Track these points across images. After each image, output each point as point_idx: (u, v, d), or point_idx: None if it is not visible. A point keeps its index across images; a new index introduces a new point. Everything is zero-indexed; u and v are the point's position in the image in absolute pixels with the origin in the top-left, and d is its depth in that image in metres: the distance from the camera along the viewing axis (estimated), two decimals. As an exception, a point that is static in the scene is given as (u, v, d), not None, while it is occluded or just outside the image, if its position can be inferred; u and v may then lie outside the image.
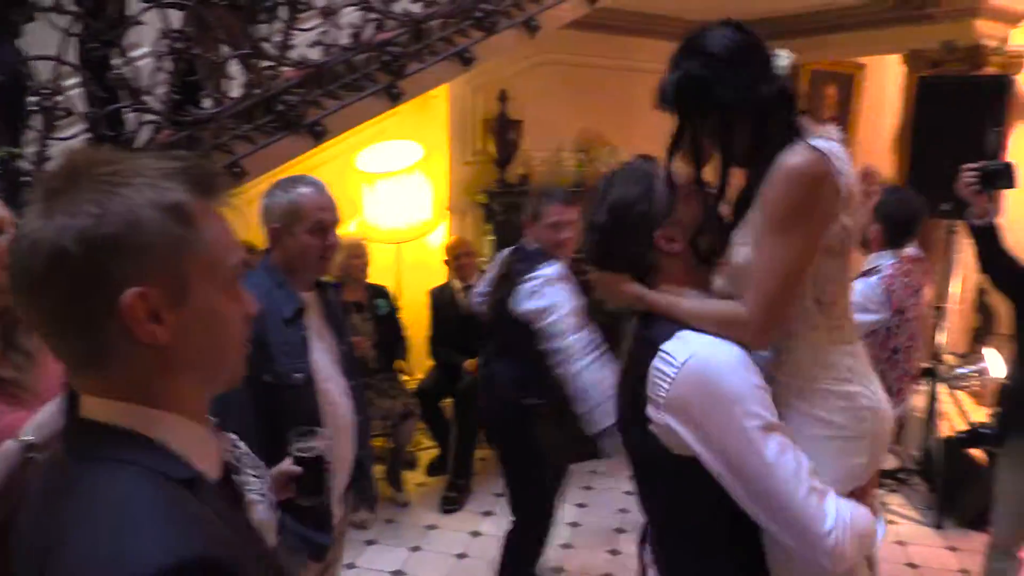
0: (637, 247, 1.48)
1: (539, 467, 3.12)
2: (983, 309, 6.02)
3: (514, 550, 3.21)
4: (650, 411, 1.38)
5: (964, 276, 5.14)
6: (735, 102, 1.44)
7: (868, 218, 3.25)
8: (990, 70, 4.95)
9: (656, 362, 1.37)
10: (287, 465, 1.72)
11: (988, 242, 3.14)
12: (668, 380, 1.34)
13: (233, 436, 1.43)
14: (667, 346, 1.37)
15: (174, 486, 0.80)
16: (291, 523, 1.91)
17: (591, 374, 2.71)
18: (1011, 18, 5.12)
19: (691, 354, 1.34)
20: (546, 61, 5.49)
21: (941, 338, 4.52)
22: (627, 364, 1.54)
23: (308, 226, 2.14)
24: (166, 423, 0.85)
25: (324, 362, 2.19)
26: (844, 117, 7.13)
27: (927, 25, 5.18)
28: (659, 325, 1.43)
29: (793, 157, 1.40)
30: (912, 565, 3.88)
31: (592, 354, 2.75)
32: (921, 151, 4.49)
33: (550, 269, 2.86)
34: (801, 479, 1.29)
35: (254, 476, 1.37)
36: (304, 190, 2.16)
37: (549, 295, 2.82)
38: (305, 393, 2.10)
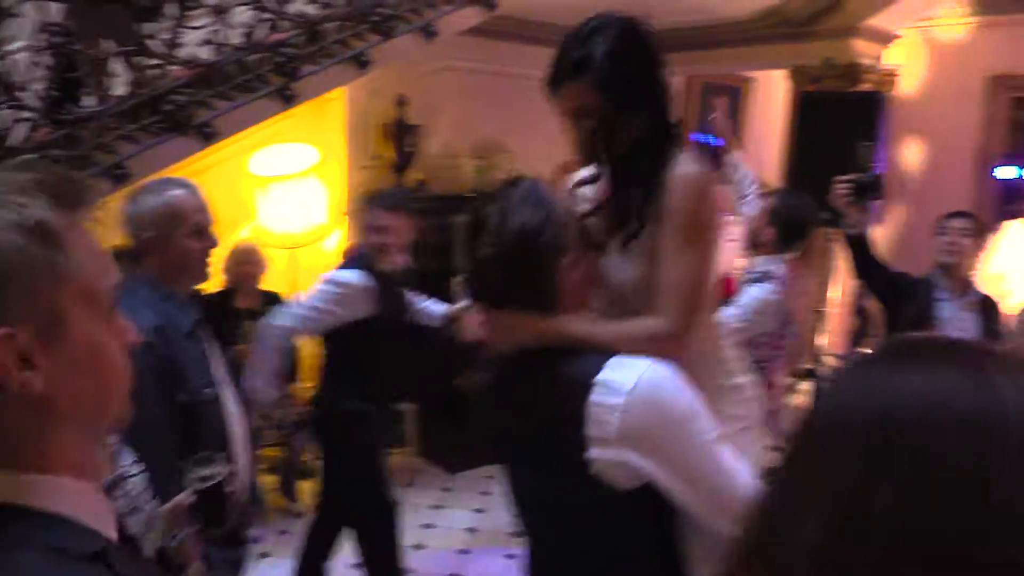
0: (546, 278, 1.33)
1: (365, 471, 3.15)
2: (860, 312, 6.34)
3: (372, 560, 3.17)
4: (594, 453, 1.26)
5: (841, 281, 5.41)
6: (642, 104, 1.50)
7: (762, 221, 3.38)
8: (866, 87, 5.23)
9: (595, 398, 1.25)
10: (184, 497, 1.63)
11: (861, 250, 3.38)
12: (617, 412, 1.24)
13: (125, 464, 1.39)
14: (604, 377, 1.26)
15: (82, 565, 0.69)
16: (214, 553, 1.81)
17: None
18: (885, 38, 5.43)
19: (637, 379, 1.25)
20: (446, 67, 5.48)
21: (822, 340, 4.75)
22: (524, 415, 1.37)
23: (188, 230, 2.01)
24: (55, 488, 0.71)
25: (220, 373, 2.12)
26: (734, 128, 7.40)
27: (809, 43, 5.44)
28: (581, 359, 1.32)
29: (690, 168, 1.46)
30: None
31: None
32: (801, 162, 4.72)
33: (352, 274, 2.96)
34: (751, 480, 1.30)
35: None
36: (178, 192, 2.01)
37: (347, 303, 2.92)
38: (215, 408, 2.02)
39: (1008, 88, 5.96)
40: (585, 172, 1.67)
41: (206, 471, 1.64)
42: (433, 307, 3.41)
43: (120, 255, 2.03)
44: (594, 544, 1.35)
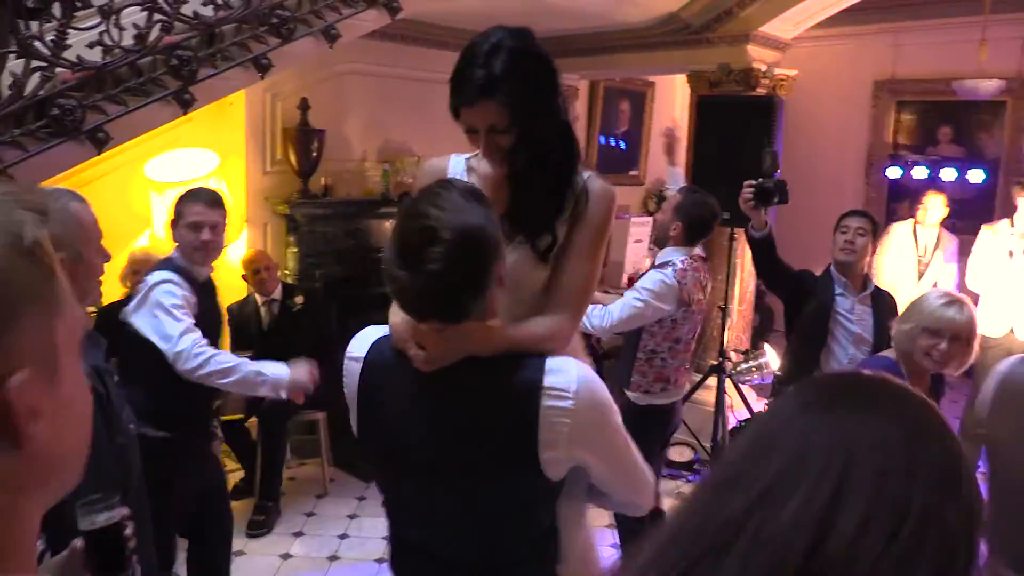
0: (489, 285, 1.32)
1: (158, 502, 2.40)
2: (761, 308, 6.57)
3: None
4: (547, 455, 1.31)
5: (743, 278, 5.59)
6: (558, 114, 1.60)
7: (670, 216, 3.47)
8: (761, 91, 5.42)
9: (546, 402, 1.30)
10: (78, 544, 1.40)
11: (764, 251, 3.52)
12: (568, 414, 1.30)
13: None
14: (549, 383, 1.31)
15: None
16: None
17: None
18: (778, 45, 5.64)
19: (576, 380, 1.32)
20: (349, 71, 5.42)
21: (726, 336, 4.88)
22: (469, 423, 1.37)
23: (95, 245, 1.84)
24: None
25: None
26: (637, 131, 7.56)
27: (705, 48, 5.60)
28: (520, 364, 1.35)
29: (604, 183, 1.64)
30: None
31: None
32: (701, 163, 4.85)
33: (170, 285, 2.62)
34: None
35: None
36: (76, 204, 1.80)
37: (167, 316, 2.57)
38: (135, 441, 1.92)
39: (892, 92, 6.28)
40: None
41: (96, 515, 1.38)
42: None
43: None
44: (519, 529, 1.44)
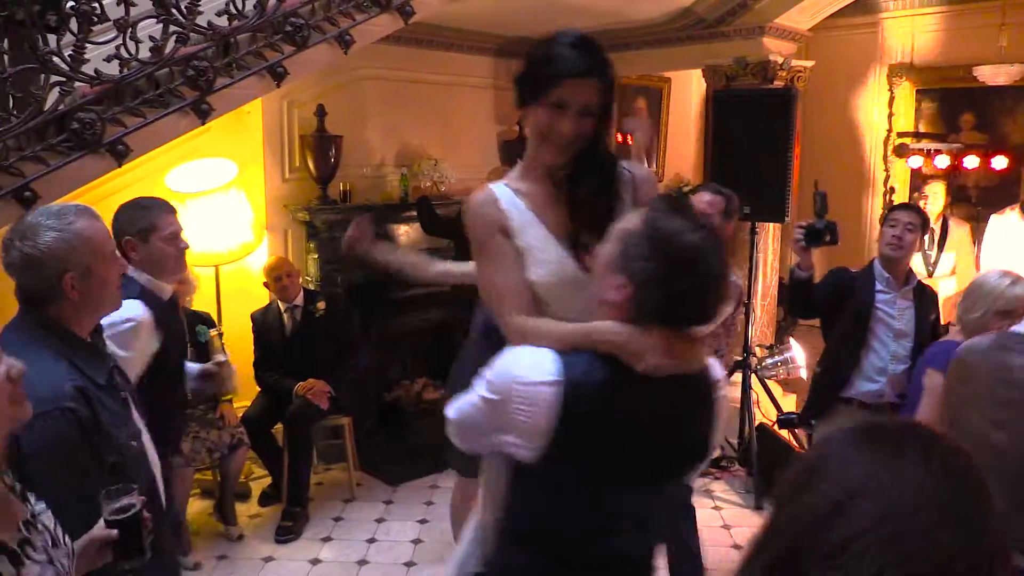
0: None
1: None
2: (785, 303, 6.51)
3: None
4: (712, 441, 1.56)
5: (766, 273, 5.54)
6: None
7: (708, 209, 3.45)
8: (778, 84, 5.38)
9: (718, 394, 1.56)
10: (101, 530, 1.56)
11: (806, 291, 3.50)
12: (723, 401, 1.58)
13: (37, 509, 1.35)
14: (715, 375, 1.57)
15: None
16: None
17: None
18: (795, 36, 5.60)
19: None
20: (365, 76, 5.43)
21: (750, 331, 4.84)
22: (682, 424, 1.54)
23: (106, 259, 1.86)
24: None
25: (136, 414, 1.98)
26: (656, 127, 7.53)
27: (721, 42, 5.57)
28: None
29: (641, 167, 1.78)
30: (737, 547, 4.12)
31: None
32: (720, 158, 4.81)
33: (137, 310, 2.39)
34: None
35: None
36: (84, 221, 1.83)
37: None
38: (142, 459, 1.91)
39: (912, 80, 6.20)
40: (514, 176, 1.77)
41: (120, 503, 1.56)
42: (187, 365, 3.05)
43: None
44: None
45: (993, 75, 5.29)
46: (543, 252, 1.66)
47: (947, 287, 4.87)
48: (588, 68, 1.61)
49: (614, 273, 1.41)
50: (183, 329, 3.01)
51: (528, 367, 1.40)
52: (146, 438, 1.99)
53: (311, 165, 5.11)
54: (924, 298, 3.46)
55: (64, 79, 2.78)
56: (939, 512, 0.73)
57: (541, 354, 1.41)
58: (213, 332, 3.31)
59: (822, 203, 3.53)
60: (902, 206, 3.60)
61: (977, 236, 5.12)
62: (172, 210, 2.64)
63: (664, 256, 1.35)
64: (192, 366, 3.13)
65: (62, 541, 1.41)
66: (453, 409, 1.55)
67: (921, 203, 5.16)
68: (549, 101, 1.61)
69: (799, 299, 3.61)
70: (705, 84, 6.09)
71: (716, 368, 1.51)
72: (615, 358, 1.39)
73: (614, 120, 1.75)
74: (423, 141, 5.78)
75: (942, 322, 3.64)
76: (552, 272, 1.65)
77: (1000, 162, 5.69)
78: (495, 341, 1.64)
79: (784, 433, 4.55)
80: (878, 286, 3.41)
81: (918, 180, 5.99)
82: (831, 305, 3.52)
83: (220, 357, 3.17)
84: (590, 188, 1.69)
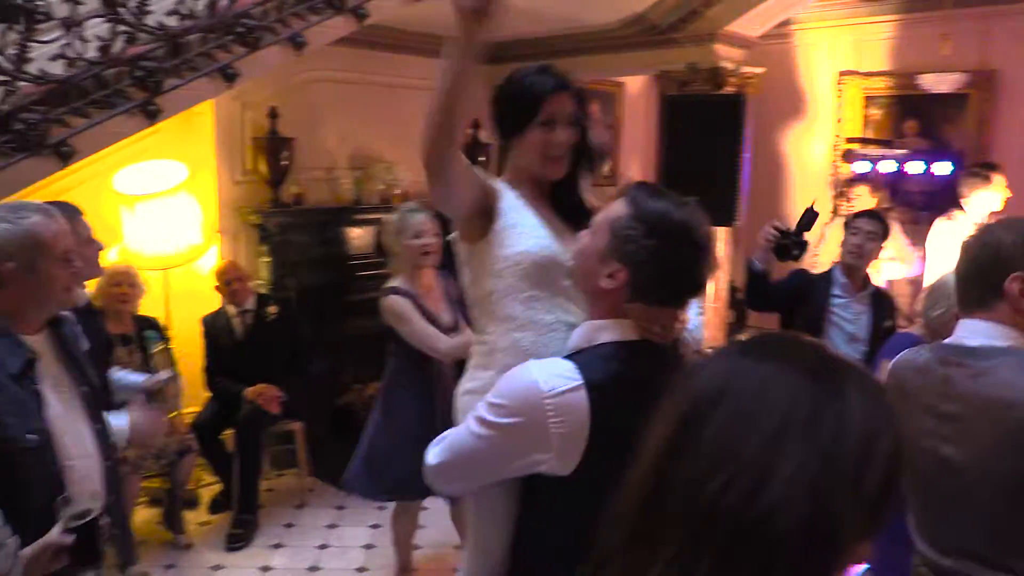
0: None
1: None
2: (735, 305, 6.61)
3: None
4: None
5: (716, 276, 5.61)
6: None
7: None
8: (730, 90, 5.46)
9: None
10: (56, 535, 1.55)
11: (762, 283, 3.55)
12: None
13: None
14: None
15: None
16: None
17: None
18: (744, 43, 5.69)
19: None
20: (318, 78, 5.39)
21: (702, 333, 4.91)
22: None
23: (55, 257, 1.90)
24: None
25: (62, 414, 1.93)
26: (609, 131, 7.59)
27: (673, 48, 5.63)
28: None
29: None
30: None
31: None
32: (671, 162, 4.88)
33: None
34: None
35: None
36: (38, 218, 1.89)
37: None
38: (42, 455, 1.85)
39: (858, 87, 6.35)
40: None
41: (77, 509, 1.56)
42: (129, 377, 3.02)
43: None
44: None
45: (936, 83, 5.44)
46: (534, 229, 1.77)
47: (892, 270, 4.96)
48: (561, 83, 1.79)
49: (605, 261, 1.42)
50: (106, 335, 2.93)
51: (551, 377, 1.38)
52: (72, 439, 1.92)
53: (263, 168, 5.05)
54: (880, 304, 3.54)
55: (8, 79, 2.71)
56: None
57: (558, 364, 1.41)
58: (160, 346, 3.24)
59: (808, 220, 3.49)
60: (865, 213, 3.66)
61: (915, 237, 5.23)
62: (79, 212, 2.57)
63: (657, 234, 1.39)
64: (135, 377, 3.05)
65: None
66: (438, 452, 1.50)
67: (845, 205, 5.29)
68: (539, 121, 1.77)
69: (754, 291, 3.66)
70: (658, 89, 6.15)
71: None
72: (617, 354, 1.42)
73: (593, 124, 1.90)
74: (376, 144, 5.75)
75: (897, 323, 3.72)
76: (543, 247, 1.75)
77: (943, 168, 5.84)
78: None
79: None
80: (834, 290, 3.48)
81: (854, 184, 6.11)
82: (790, 307, 3.58)
83: (164, 375, 3.10)
84: (569, 189, 1.88)
